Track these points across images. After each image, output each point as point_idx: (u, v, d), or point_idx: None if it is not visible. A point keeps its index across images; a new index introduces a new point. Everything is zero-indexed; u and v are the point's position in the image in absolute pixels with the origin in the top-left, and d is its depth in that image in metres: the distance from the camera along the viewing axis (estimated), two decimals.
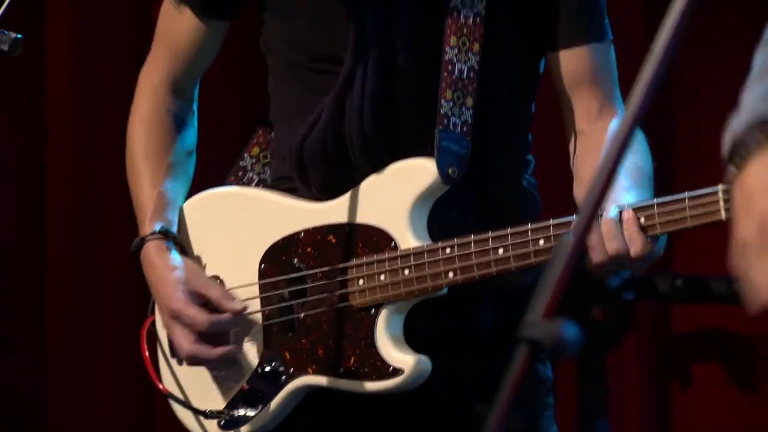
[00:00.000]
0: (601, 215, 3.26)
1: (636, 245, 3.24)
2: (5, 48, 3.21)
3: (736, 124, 2.32)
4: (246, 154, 3.67)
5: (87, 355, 5.69)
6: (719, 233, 4.36)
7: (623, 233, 3.25)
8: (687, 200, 3.20)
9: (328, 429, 3.54)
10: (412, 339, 3.42)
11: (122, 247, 3.70)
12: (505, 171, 3.52)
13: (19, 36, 3.23)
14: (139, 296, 3.73)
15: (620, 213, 3.24)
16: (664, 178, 4.36)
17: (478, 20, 3.44)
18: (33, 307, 5.72)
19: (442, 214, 3.42)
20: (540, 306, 1.89)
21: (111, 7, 5.66)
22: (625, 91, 2.74)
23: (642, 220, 3.24)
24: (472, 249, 3.33)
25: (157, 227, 3.55)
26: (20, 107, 5.64)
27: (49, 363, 5.72)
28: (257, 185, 3.64)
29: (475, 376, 3.48)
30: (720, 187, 3.17)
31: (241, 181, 3.65)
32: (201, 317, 3.44)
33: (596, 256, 3.24)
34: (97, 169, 5.58)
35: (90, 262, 5.66)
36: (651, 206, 3.23)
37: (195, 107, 3.72)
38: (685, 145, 5.15)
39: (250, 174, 3.65)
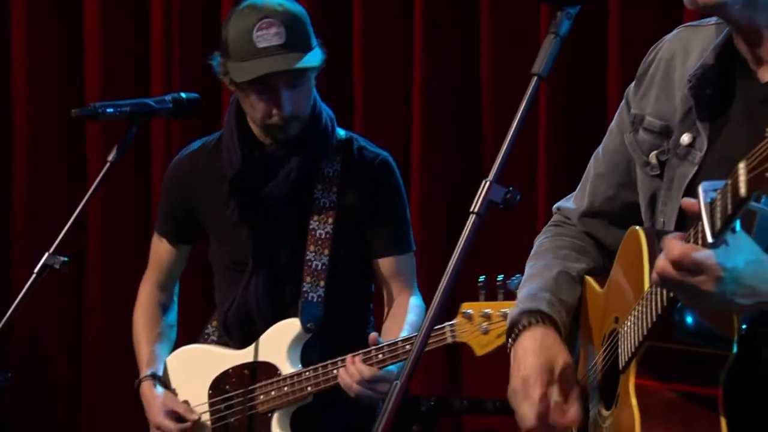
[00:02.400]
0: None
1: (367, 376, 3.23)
2: (57, 267, 3.11)
3: (514, 312, 2.31)
4: (209, 325, 3.65)
5: None
6: (493, 371, 4.34)
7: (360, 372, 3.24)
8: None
9: None
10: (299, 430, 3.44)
11: None
12: (349, 325, 3.49)
13: (66, 259, 3.13)
14: None
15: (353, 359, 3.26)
16: None
17: (327, 236, 3.39)
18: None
19: (314, 350, 3.41)
20: (380, 427, 1.87)
21: None
22: None
23: (368, 359, 3.24)
24: (319, 372, 3.33)
25: (149, 372, 3.56)
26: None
27: None
28: (212, 343, 3.62)
29: None
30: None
31: (205, 341, 3.63)
32: (172, 426, 3.47)
33: (352, 393, 3.27)
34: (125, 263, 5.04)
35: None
36: (370, 350, 3.25)
37: (175, 298, 3.71)
38: None
39: (212, 337, 3.63)
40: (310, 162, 3.39)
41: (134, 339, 3.66)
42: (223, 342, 3.56)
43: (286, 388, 3.39)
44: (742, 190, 1.72)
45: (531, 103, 1.97)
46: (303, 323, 3.38)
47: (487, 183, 1.96)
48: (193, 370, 3.56)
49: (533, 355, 2.21)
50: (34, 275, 3.12)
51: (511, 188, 1.97)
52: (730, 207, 1.76)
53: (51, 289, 4.78)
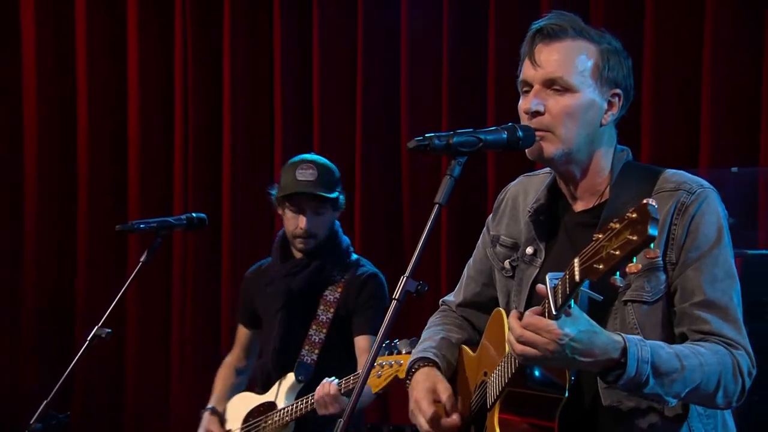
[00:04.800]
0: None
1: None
2: (103, 336, 2.99)
3: (410, 361, 2.33)
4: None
5: None
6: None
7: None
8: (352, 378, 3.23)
9: None
10: None
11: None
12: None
13: (110, 330, 3.00)
14: None
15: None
16: None
17: (327, 320, 3.43)
18: None
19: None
20: None
21: None
22: None
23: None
24: (293, 406, 3.34)
25: (210, 406, 3.65)
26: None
27: None
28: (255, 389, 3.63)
29: None
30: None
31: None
32: None
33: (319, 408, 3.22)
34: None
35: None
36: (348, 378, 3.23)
37: (248, 369, 3.73)
38: None
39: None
40: (322, 269, 3.50)
41: (214, 383, 3.74)
42: (256, 390, 3.67)
43: (276, 417, 3.42)
44: (577, 277, 1.78)
45: (434, 224, 1.99)
46: (296, 376, 3.46)
47: (404, 278, 1.96)
48: (239, 407, 3.63)
49: (422, 383, 2.25)
50: (87, 342, 3.03)
51: (421, 281, 1.96)
52: (568, 289, 1.82)
53: (100, 351, 4.62)
